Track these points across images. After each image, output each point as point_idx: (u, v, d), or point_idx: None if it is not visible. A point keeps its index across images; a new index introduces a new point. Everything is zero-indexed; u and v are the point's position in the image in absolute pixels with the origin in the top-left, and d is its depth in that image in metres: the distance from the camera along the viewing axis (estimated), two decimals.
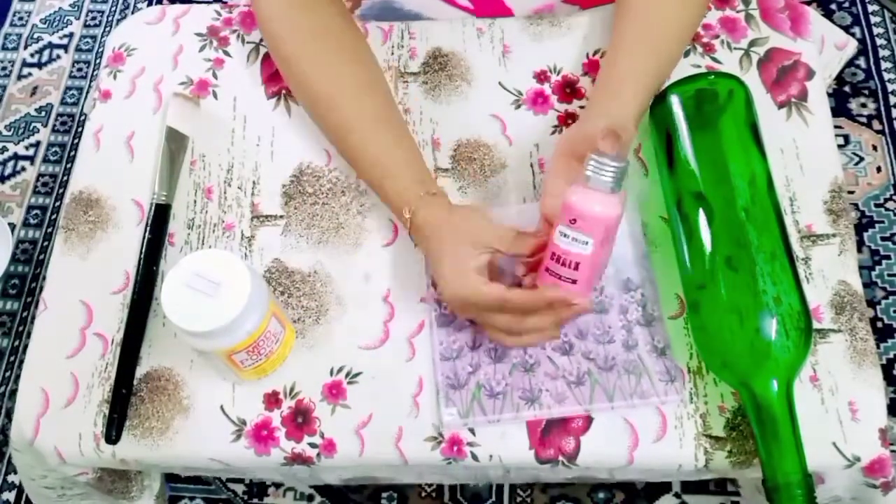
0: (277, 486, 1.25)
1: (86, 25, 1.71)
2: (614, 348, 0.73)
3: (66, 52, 1.68)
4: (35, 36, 1.71)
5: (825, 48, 0.94)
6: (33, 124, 1.60)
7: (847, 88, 1.52)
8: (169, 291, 0.65)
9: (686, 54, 0.86)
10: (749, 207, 0.70)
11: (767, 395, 0.66)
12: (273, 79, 0.88)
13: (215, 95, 0.88)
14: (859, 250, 1.35)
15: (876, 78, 1.52)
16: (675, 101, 0.76)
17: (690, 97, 0.76)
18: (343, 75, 0.80)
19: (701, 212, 0.71)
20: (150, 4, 1.72)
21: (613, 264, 0.74)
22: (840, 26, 1.57)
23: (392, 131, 0.79)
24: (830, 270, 0.76)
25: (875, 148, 1.47)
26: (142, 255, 0.79)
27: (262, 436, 0.72)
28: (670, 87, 0.77)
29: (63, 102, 1.62)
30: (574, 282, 0.67)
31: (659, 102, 0.78)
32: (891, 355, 1.30)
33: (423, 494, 1.24)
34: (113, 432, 0.72)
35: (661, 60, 0.79)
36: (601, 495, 1.21)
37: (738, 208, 0.70)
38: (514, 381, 0.73)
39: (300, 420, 0.73)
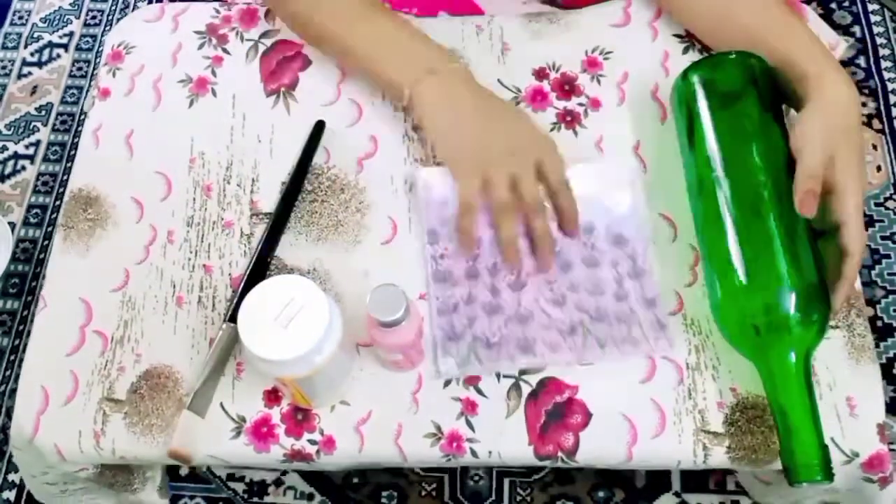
0: (277, 484, 1.25)
1: (86, 24, 1.71)
2: (605, 300, 0.75)
3: (66, 51, 1.68)
4: (35, 35, 1.71)
5: None
6: (33, 123, 1.60)
7: None
8: (246, 314, 0.65)
9: (685, 51, 0.86)
10: (770, 184, 0.71)
11: (785, 368, 0.66)
12: (272, 76, 0.88)
13: (214, 93, 0.88)
14: None
15: (876, 77, 1.52)
16: (696, 81, 0.77)
17: (712, 77, 0.77)
18: None
19: (722, 190, 0.72)
20: (149, 2, 1.72)
21: (607, 216, 0.78)
22: (840, 25, 1.57)
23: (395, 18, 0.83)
24: None
25: (875, 147, 1.47)
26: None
27: (261, 433, 0.73)
28: (691, 67, 0.78)
29: (63, 101, 1.62)
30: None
31: (681, 82, 0.78)
32: (890, 354, 1.30)
33: (423, 493, 1.24)
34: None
35: None
36: (601, 494, 1.21)
37: (759, 186, 0.71)
38: (510, 332, 0.74)
39: (300, 417, 0.73)
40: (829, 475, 0.64)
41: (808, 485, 0.65)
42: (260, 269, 0.78)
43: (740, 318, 0.69)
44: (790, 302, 0.67)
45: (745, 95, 0.75)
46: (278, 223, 0.80)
